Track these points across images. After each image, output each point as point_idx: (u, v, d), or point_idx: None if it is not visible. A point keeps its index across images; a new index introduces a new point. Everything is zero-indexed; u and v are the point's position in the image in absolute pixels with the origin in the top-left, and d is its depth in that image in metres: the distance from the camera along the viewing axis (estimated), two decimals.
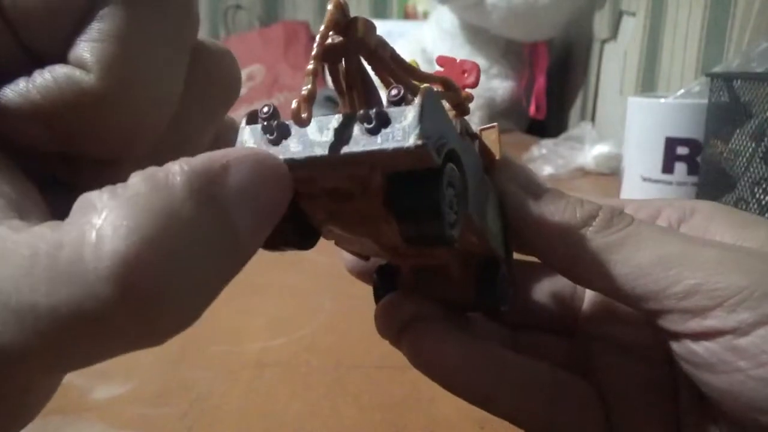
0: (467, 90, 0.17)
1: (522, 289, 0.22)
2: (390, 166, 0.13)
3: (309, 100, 0.12)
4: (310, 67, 0.13)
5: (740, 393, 0.15)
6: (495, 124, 0.18)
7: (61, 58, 0.13)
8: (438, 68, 0.17)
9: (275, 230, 0.13)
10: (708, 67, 0.72)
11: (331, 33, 0.13)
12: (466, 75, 0.17)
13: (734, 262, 0.16)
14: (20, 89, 0.12)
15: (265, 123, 0.14)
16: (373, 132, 0.12)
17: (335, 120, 0.13)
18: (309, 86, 0.12)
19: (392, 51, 0.14)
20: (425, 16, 1.68)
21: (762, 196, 0.47)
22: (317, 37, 0.13)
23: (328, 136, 0.13)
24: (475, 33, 1.20)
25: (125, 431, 0.28)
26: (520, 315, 0.22)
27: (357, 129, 0.13)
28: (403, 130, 0.12)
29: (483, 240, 0.17)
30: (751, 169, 0.48)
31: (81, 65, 0.12)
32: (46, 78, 0.12)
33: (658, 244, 0.16)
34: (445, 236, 0.13)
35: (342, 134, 0.13)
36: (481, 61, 1.23)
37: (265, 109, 0.14)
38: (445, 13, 1.23)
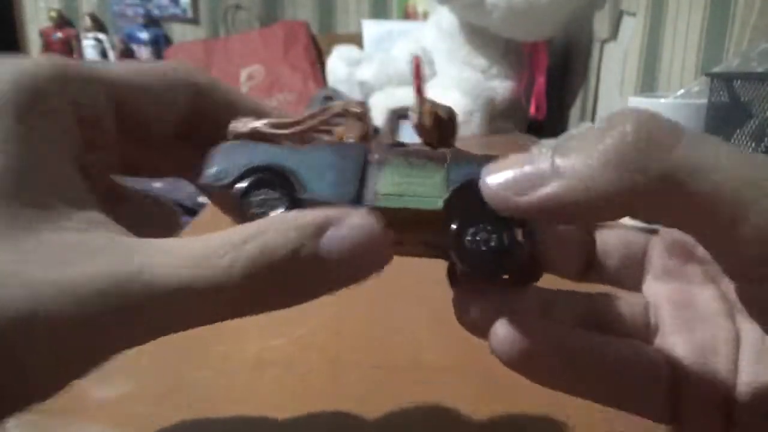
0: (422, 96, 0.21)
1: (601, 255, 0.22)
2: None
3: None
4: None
5: None
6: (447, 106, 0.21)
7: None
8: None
9: None
10: (708, 67, 0.72)
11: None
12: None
13: None
14: None
15: None
16: None
17: None
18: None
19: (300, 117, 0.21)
20: (425, 16, 1.69)
21: None
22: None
23: None
24: (475, 33, 1.20)
25: (125, 431, 0.28)
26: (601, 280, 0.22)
27: None
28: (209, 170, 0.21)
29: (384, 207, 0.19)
30: None
31: None
32: None
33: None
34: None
35: None
36: (481, 61, 1.23)
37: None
38: (445, 13, 1.23)
